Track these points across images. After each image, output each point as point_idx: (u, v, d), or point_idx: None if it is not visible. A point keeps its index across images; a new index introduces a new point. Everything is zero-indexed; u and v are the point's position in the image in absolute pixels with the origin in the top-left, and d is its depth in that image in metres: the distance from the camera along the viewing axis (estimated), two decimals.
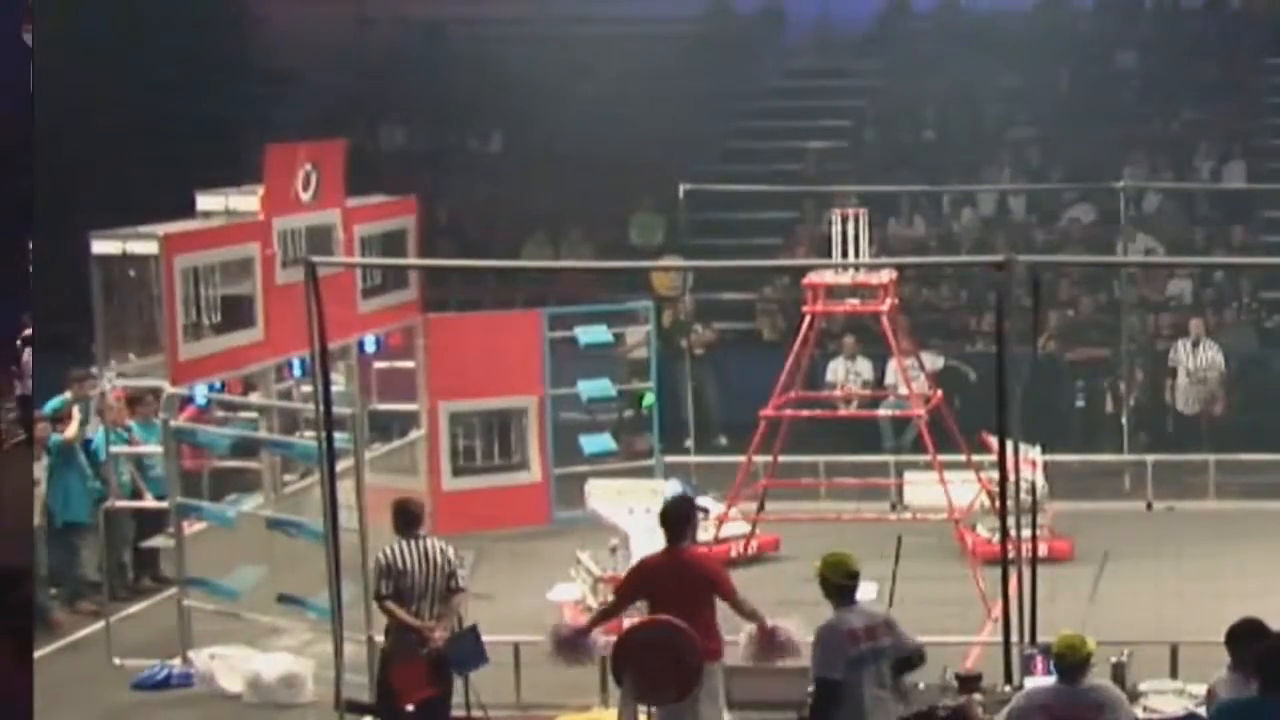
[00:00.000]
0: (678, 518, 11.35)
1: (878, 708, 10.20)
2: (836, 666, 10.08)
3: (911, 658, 10.48)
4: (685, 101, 26.09)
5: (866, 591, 14.85)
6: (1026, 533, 12.24)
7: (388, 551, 12.00)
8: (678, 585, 11.06)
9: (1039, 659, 11.24)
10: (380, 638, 12.31)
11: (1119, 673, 11.12)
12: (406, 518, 12.10)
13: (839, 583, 10.39)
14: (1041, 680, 10.56)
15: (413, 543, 11.97)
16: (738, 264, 21.93)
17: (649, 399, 19.36)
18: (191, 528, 15.15)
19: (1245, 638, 9.77)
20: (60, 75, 23.25)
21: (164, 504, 15.25)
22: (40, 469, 16.08)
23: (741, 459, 16.40)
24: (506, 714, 12.69)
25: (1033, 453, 16.28)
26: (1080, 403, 21.51)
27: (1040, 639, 11.67)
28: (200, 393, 15.78)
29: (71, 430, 16.09)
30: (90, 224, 15.47)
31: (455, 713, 12.07)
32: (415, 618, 11.82)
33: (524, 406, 18.65)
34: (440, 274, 21.30)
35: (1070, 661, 9.76)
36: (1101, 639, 10.45)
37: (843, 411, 19.20)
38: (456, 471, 18.50)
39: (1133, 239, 22.21)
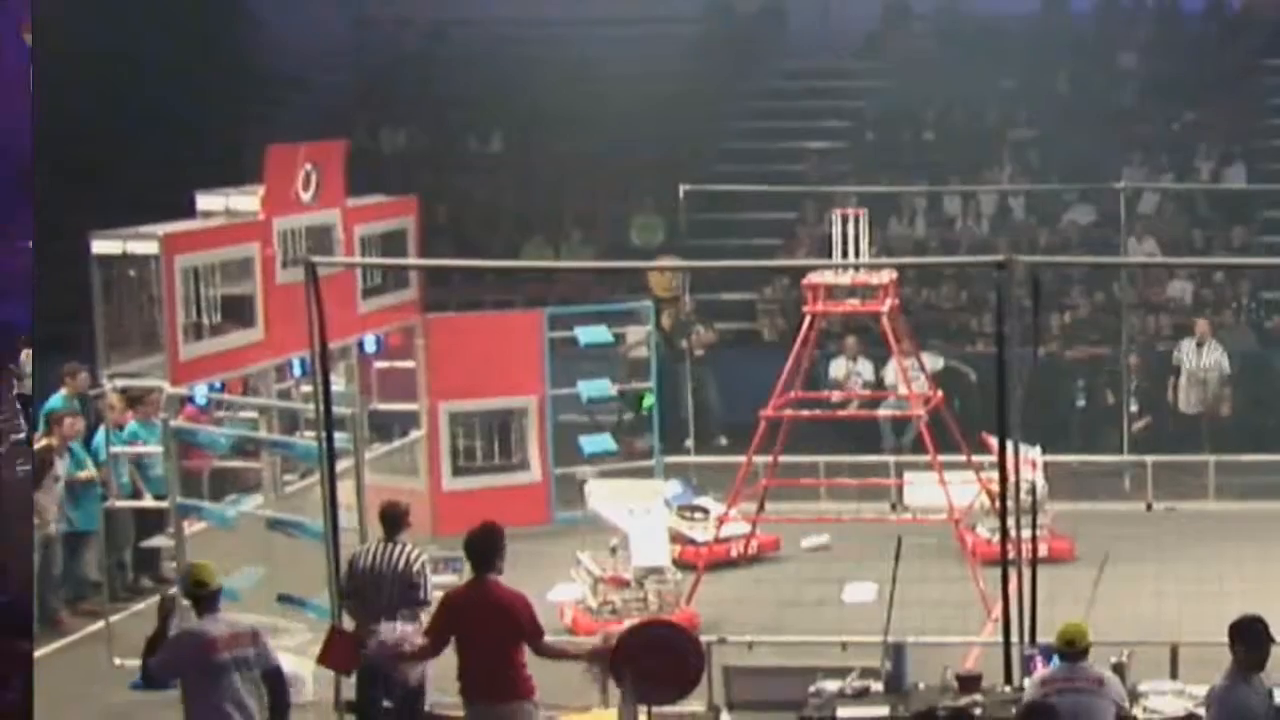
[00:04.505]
0: (484, 547, 10.87)
1: None
2: (187, 673, 10.22)
3: (271, 675, 10.43)
4: (686, 102, 26.10)
5: (865, 591, 15.03)
6: (1026, 533, 12.21)
7: (357, 550, 12.18)
8: (481, 620, 10.69)
9: (1039, 659, 11.25)
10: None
11: (1119, 673, 11.10)
12: (385, 520, 12.21)
13: (193, 593, 10.47)
14: None
15: (384, 546, 12.05)
16: (738, 264, 21.92)
17: (649, 399, 19.34)
18: (191, 528, 15.14)
19: (1243, 634, 9.77)
20: (60, 75, 23.24)
21: (164, 504, 15.24)
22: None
23: (741, 459, 16.36)
24: None
25: (1033, 453, 16.27)
26: (1081, 403, 21.52)
27: (1040, 639, 11.66)
28: (200, 393, 15.77)
29: (60, 469, 16.04)
30: (90, 224, 15.46)
31: (456, 713, 12.05)
32: (366, 619, 11.81)
33: (524, 407, 18.65)
34: (440, 274, 21.29)
35: (1071, 644, 10.25)
36: (1101, 639, 10.45)
37: (843, 412, 19.20)
38: (456, 472, 18.51)
39: (1140, 239, 22.20)
